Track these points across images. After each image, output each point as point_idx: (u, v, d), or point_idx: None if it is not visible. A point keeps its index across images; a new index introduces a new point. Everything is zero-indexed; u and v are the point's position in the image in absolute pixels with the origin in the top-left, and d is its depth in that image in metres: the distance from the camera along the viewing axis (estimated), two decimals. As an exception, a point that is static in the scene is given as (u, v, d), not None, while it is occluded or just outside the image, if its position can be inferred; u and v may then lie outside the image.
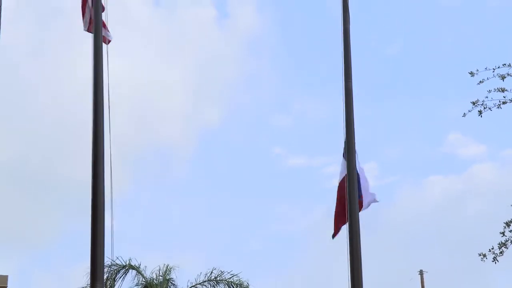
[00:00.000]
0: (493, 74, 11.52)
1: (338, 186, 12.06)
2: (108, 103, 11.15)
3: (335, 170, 12.55)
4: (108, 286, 22.08)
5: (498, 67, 11.58)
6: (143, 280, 22.56)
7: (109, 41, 11.91)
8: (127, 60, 32.14)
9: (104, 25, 11.78)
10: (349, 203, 12.08)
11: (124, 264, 22.54)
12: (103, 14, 11.75)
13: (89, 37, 11.52)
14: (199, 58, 39.08)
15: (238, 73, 39.83)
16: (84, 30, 12.16)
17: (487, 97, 11.54)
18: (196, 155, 38.72)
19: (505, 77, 11.52)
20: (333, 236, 12.29)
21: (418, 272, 33.75)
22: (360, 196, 12.04)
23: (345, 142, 12.10)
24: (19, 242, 31.26)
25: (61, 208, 32.25)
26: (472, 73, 11.48)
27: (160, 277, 22.55)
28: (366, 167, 13.26)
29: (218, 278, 22.51)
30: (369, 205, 12.26)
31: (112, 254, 10.71)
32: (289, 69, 40.16)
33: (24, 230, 31.24)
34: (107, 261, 17.59)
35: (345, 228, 11.85)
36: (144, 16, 36.59)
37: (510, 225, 11.69)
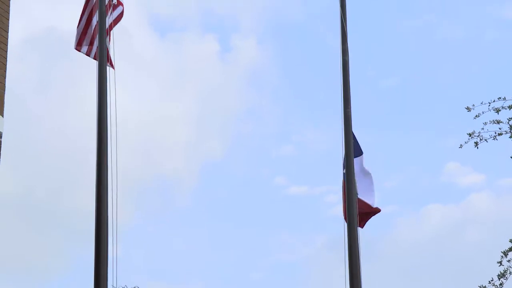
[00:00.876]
0: (489, 108, 11.73)
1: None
2: (115, 127, 11.42)
3: (336, 199, 12.78)
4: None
5: (494, 101, 11.78)
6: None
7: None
8: (131, 92, 32.36)
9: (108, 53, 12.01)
10: (348, 233, 12.31)
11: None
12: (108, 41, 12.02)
13: (95, 70, 11.76)
14: (202, 91, 39.40)
15: (240, 105, 40.14)
16: (91, 57, 12.33)
17: (483, 128, 11.72)
18: (198, 186, 38.74)
19: (499, 110, 11.69)
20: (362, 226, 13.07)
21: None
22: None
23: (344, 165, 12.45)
24: (25, 273, 31.30)
25: (67, 238, 32.34)
26: (468, 108, 11.66)
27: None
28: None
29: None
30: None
31: (115, 282, 10.88)
32: (289, 100, 40.45)
33: (30, 261, 31.33)
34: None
35: (344, 259, 12.06)
36: (149, 49, 37.14)
37: (507, 254, 11.82)
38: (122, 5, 12.34)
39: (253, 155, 38.39)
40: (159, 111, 35.32)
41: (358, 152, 13.53)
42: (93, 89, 11.50)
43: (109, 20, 11.92)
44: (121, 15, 12.31)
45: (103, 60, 11.77)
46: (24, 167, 29.52)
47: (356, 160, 12.99)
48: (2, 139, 10.99)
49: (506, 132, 11.74)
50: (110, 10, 12.10)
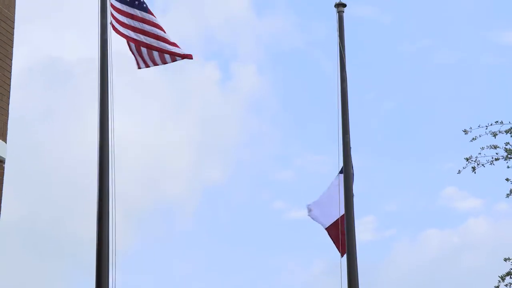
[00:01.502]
0: (486, 132, 11.86)
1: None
2: (115, 153, 11.56)
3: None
4: None
5: (491, 125, 11.88)
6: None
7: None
8: (134, 118, 32.81)
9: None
10: (347, 260, 12.45)
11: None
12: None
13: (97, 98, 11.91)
14: (202, 119, 39.98)
15: (240, 132, 40.60)
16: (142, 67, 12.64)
17: (480, 153, 11.85)
18: (199, 211, 38.99)
19: (496, 134, 11.80)
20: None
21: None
22: None
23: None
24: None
25: (68, 264, 32.40)
26: (465, 131, 11.79)
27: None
28: (364, 220, 13.65)
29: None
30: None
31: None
32: (289, 126, 40.84)
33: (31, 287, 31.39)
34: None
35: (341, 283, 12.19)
36: (152, 77, 37.62)
37: (504, 279, 11.91)
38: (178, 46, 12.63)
39: (253, 180, 38.58)
40: (161, 137, 35.59)
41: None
42: (95, 118, 11.69)
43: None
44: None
45: (105, 87, 11.91)
46: (26, 193, 29.64)
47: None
48: (5, 165, 11.09)
49: (503, 157, 11.87)
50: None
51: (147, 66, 12.68)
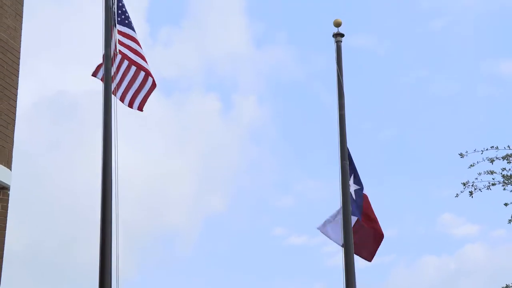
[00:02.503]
0: (482, 158, 12.05)
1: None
2: (118, 182, 11.75)
3: (334, 249, 13.07)
4: None
5: (487, 149, 12.10)
6: None
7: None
8: (137, 148, 33.16)
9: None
10: (346, 286, 12.59)
11: None
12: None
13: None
14: (203, 148, 40.61)
15: (240, 160, 41.07)
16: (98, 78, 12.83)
17: (477, 178, 12.04)
18: (200, 238, 39.24)
19: (493, 160, 12.00)
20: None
21: None
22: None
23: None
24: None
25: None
26: (461, 155, 11.99)
27: None
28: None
29: None
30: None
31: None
32: (288, 154, 41.22)
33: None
34: None
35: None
36: (154, 108, 38.30)
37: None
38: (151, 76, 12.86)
39: (253, 207, 38.81)
40: (164, 166, 35.92)
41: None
42: (99, 148, 11.90)
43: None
44: (153, 87, 12.85)
45: (108, 117, 12.09)
46: (30, 222, 29.81)
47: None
48: (10, 192, 11.27)
49: (499, 183, 12.06)
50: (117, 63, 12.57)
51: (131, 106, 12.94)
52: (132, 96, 12.90)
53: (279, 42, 40.77)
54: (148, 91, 12.96)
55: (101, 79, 12.38)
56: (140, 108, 13.03)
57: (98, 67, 12.69)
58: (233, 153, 38.64)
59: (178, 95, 40.58)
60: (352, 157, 13.48)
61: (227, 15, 40.14)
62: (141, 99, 12.95)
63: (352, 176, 13.49)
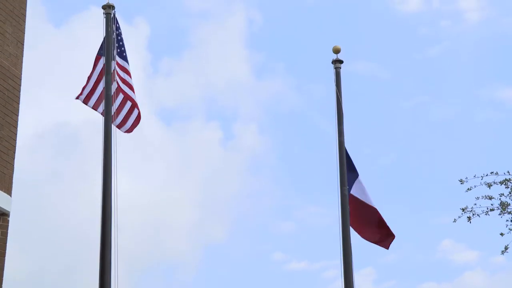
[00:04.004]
0: (481, 182, 12.08)
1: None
2: (117, 210, 11.79)
3: (335, 274, 13.06)
4: None
5: (486, 175, 12.14)
6: None
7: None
8: (138, 177, 33.48)
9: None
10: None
11: None
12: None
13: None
14: (204, 176, 41.12)
15: (241, 188, 41.47)
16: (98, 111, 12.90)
17: (475, 204, 12.06)
18: (201, 267, 39.59)
19: (491, 185, 12.02)
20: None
21: None
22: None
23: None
24: None
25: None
26: (461, 181, 12.03)
27: None
28: (363, 272, 13.81)
29: None
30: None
31: None
32: (289, 181, 41.63)
33: None
34: None
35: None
36: (156, 137, 38.68)
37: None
38: (137, 108, 12.98)
39: (253, 233, 38.85)
40: (165, 195, 36.10)
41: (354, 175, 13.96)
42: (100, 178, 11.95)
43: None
44: (138, 119, 12.97)
45: (108, 145, 12.15)
46: (32, 251, 29.85)
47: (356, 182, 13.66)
48: (10, 219, 11.30)
49: (498, 208, 12.07)
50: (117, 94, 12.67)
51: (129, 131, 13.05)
52: (121, 121, 13.00)
53: (278, 72, 41.23)
54: (134, 121, 13.10)
55: (102, 114, 12.52)
56: (130, 130, 13.13)
57: (83, 89, 12.84)
58: (234, 181, 38.84)
59: (179, 124, 40.90)
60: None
61: (227, 45, 40.63)
62: (130, 124, 13.09)
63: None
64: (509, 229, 11.81)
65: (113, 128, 12.25)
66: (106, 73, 12.44)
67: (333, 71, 14.21)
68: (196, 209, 37.63)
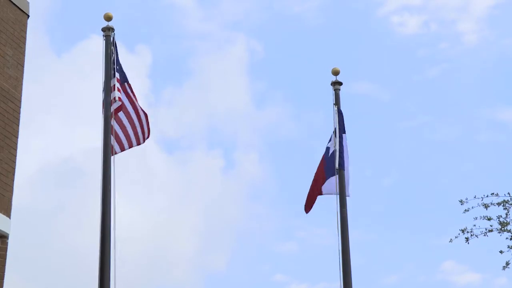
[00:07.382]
0: (478, 204, 12.11)
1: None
2: (117, 240, 11.81)
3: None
4: None
5: (487, 196, 12.16)
6: None
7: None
8: (138, 205, 33.69)
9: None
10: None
11: None
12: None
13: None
14: (205, 205, 41.48)
15: (242, 215, 42.09)
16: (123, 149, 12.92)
17: (474, 225, 12.08)
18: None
19: (488, 206, 12.06)
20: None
21: None
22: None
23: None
24: None
25: None
26: (462, 201, 12.06)
27: None
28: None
29: None
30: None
31: None
32: (289, 206, 42.17)
33: None
34: None
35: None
36: (157, 166, 39.07)
37: None
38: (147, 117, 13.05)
39: (254, 255, 38.86)
40: (166, 224, 36.27)
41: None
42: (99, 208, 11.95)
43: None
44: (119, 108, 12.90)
45: (108, 174, 12.15)
46: (32, 278, 29.88)
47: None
48: (9, 241, 11.29)
49: (497, 229, 12.09)
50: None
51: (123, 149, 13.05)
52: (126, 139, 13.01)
53: (277, 101, 41.62)
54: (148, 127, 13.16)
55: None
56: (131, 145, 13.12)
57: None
58: (235, 209, 39.07)
59: (181, 153, 41.22)
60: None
61: (228, 74, 41.03)
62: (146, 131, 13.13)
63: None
64: (508, 246, 11.82)
65: (112, 158, 12.28)
66: (106, 94, 12.51)
67: (332, 92, 14.14)
68: (197, 238, 37.75)
